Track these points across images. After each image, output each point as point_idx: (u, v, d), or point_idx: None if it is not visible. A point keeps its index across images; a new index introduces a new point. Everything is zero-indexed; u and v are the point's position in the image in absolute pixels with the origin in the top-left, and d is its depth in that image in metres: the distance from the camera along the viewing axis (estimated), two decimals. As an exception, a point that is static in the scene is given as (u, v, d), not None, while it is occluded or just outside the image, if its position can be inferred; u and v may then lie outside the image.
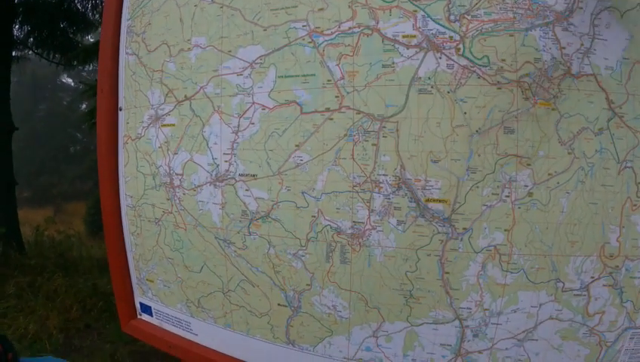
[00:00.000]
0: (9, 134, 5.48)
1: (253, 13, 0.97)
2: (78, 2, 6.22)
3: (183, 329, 1.22)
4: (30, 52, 6.72)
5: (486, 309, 0.86)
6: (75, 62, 6.14)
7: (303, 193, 0.93)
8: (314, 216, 0.93)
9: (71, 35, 6.40)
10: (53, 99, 19.19)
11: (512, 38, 0.81)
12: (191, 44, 1.07)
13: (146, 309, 1.32)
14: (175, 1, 1.10)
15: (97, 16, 6.08)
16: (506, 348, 0.87)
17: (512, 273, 0.84)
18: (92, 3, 6.21)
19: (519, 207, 0.82)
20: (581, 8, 0.81)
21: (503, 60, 0.81)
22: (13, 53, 5.88)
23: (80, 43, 6.42)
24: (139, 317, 1.36)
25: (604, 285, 0.84)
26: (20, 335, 3.14)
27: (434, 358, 0.90)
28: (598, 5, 0.81)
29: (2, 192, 5.40)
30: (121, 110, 1.27)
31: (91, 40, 6.79)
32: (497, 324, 0.86)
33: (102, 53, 1.30)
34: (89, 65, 6.27)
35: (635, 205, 0.82)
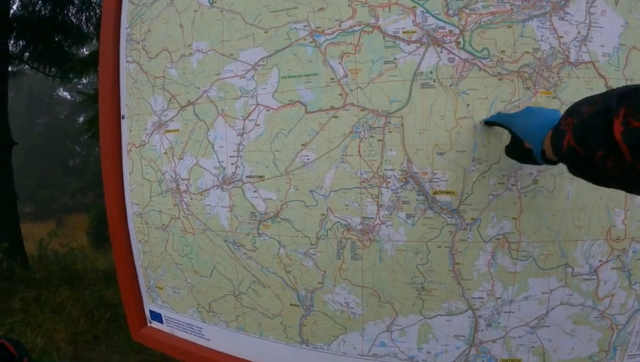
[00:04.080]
0: (9, 149, 5.49)
1: (253, 16, 0.98)
2: (72, 15, 6.24)
3: (195, 335, 1.22)
4: (26, 66, 6.73)
5: (498, 298, 0.86)
6: (72, 75, 6.15)
7: (311, 191, 0.94)
8: (323, 214, 0.93)
9: (66, 48, 6.41)
10: (51, 113, 19.21)
11: (511, 29, 0.82)
12: (192, 49, 1.07)
13: (156, 316, 1.32)
14: (174, 8, 1.11)
15: (92, 28, 6.09)
16: (519, 336, 0.88)
17: (521, 260, 0.85)
18: (86, 15, 6.23)
19: (525, 195, 0.83)
20: (576, -3, 0.82)
21: (503, 52, 0.82)
22: (10, 69, 5.88)
23: (75, 55, 6.42)
24: (149, 325, 1.36)
25: (612, 268, 0.85)
26: (28, 349, 3.13)
27: (448, 349, 0.91)
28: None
29: (4, 207, 5.41)
30: (123, 118, 1.28)
31: (86, 52, 6.79)
32: (510, 312, 0.87)
33: (102, 63, 1.31)
34: (85, 78, 6.29)
35: (639, 187, 0.83)
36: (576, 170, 0.58)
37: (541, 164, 0.70)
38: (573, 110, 0.57)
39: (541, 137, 0.66)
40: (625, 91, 0.49)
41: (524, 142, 0.71)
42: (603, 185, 0.56)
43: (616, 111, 0.48)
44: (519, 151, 0.74)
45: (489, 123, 0.82)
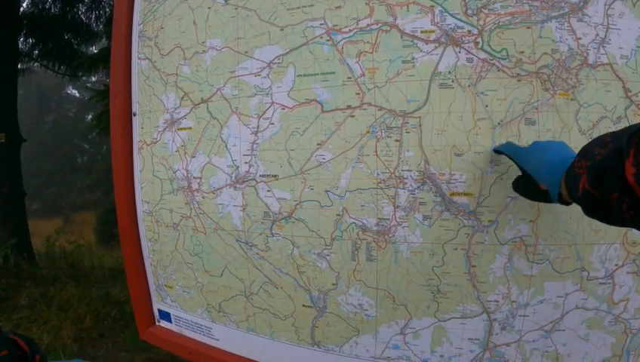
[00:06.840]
0: (17, 146, 5.53)
1: (269, 14, 0.97)
2: (82, 13, 6.29)
3: (204, 335, 1.21)
4: (35, 64, 6.78)
5: (513, 301, 0.85)
6: (80, 73, 6.20)
7: (326, 192, 0.93)
8: (338, 215, 0.92)
9: (75, 46, 6.46)
10: (59, 110, 19.36)
11: (529, 30, 0.81)
12: (206, 46, 1.07)
13: (165, 316, 1.32)
14: (188, 4, 1.10)
15: (101, 26, 6.14)
16: (534, 340, 0.86)
17: (537, 264, 0.83)
18: (96, 14, 6.28)
19: (543, 198, 0.82)
20: (595, -2, 0.81)
21: (522, 52, 0.81)
22: (19, 66, 5.92)
23: (84, 53, 6.46)
24: (157, 324, 1.35)
25: (627, 272, 0.83)
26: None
27: (462, 353, 0.89)
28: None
29: (12, 204, 5.43)
30: (135, 115, 1.28)
31: (95, 50, 6.84)
32: (525, 316, 0.85)
33: (114, 59, 1.31)
34: (94, 75, 6.33)
35: (656, 191, 0.82)
36: (592, 213, 0.57)
37: (554, 203, 0.68)
38: (587, 152, 0.57)
39: (557, 180, 0.64)
40: (635, 130, 0.48)
41: (539, 184, 0.69)
42: (619, 226, 0.56)
43: (627, 152, 0.48)
44: (532, 189, 0.73)
45: (498, 151, 0.80)
